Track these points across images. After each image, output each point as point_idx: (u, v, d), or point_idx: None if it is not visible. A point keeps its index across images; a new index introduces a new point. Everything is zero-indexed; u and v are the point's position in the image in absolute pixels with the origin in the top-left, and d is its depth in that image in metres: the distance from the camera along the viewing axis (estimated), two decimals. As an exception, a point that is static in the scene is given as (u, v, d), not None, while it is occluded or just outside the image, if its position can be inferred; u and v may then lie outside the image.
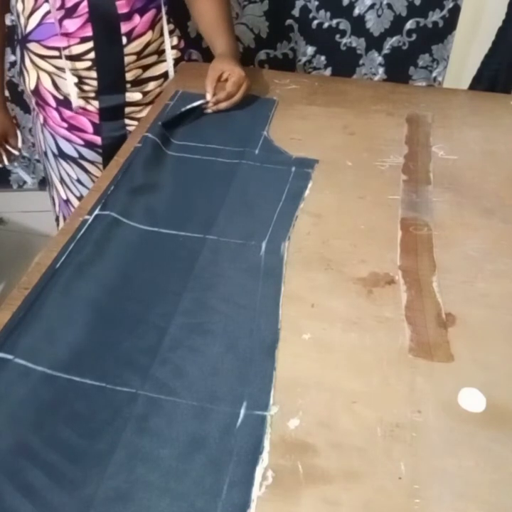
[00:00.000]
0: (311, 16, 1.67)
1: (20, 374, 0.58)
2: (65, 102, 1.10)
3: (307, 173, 0.90)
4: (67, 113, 1.11)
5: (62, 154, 1.17)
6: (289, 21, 1.66)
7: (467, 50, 1.64)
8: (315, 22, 1.68)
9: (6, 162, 1.18)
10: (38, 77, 1.09)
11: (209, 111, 1.06)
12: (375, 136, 1.01)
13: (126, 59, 1.09)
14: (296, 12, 1.65)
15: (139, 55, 1.10)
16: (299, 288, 0.70)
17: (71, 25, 1.03)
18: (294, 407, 0.57)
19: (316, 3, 1.64)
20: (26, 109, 1.86)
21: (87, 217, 0.78)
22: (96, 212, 0.78)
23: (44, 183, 2.05)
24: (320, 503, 0.49)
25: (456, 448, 0.54)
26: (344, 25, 1.69)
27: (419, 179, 0.90)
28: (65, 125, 1.12)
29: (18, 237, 2.05)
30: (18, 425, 0.54)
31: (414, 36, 1.70)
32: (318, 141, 0.99)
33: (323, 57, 1.76)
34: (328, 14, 1.67)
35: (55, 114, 1.12)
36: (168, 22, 1.15)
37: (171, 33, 1.16)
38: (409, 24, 1.67)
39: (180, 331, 0.64)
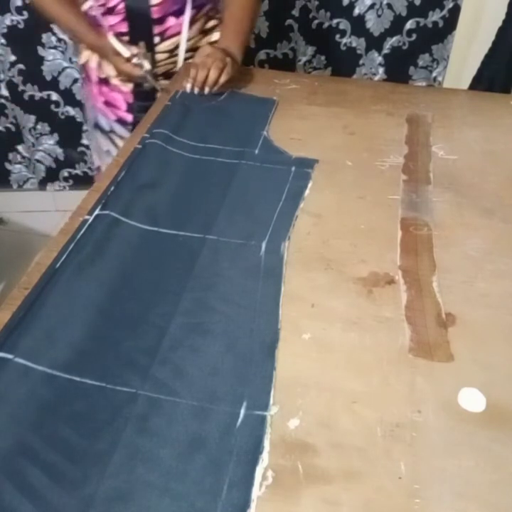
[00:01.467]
0: (311, 15, 1.67)
1: (21, 373, 0.58)
2: (104, 81, 1.22)
3: (307, 173, 0.90)
4: (105, 90, 1.23)
5: (97, 126, 1.29)
6: (289, 21, 1.66)
7: (467, 50, 1.65)
8: (315, 22, 1.68)
9: (146, 66, 1.09)
10: (88, 56, 1.22)
11: (206, 90, 1.07)
12: (375, 136, 1.01)
13: (158, 56, 1.16)
14: (296, 12, 1.65)
15: (172, 52, 1.16)
16: (299, 288, 0.70)
17: (110, 20, 1.14)
18: (294, 407, 0.57)
19: (316, 3, 1.64)
20: (26, 109, 1.86)
21: (87, 217, 0.78)
22: (96, 212, 0.78)
23: (44, 183, 2.05)
24: (320, 503, 0.49)
25: (456, 448, 0.54)
26: (344, 25, 1.69)
27: (419, 179, 0.90)
28: (102, 100, 1.24)
29: (18, 237, 2.05)
30: (18, 425, 0.54)
31: (414, 36, 1.70)
32: (318, 141, 0.99)
33: (323, 57, 1.77)
34: (328, 14, 1.67)
35: (96, 89, 1.24)
36: (214, 18, 1.20)
37: (214, 28, 1.20)
38: (409, 24, 1.68)
39: (180, 330, 0.64)
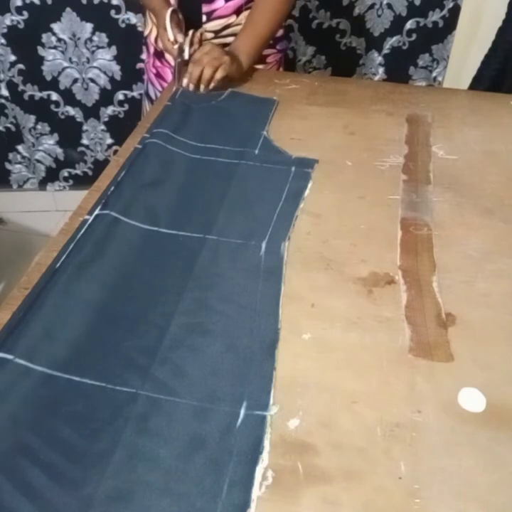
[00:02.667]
0: (311, 15, 1.67)
1: (20, 374, 0.58)
2: (159, 54, 1.28)
3: (307, 173, 0.90)
4: (157, 63, 1.31)
5: (147, 94, 1.39)
6: (289, 21, 1.66)
7: (467, 50, 1.65)
8: (315, 22, 1.68)
9: (184, 57, 1.12)
10: (151, 29, 1.28)
11: (201, 88, 1.09)
12: (375, 136, 1.01)
13: (204, 35, 1.18)
14: (296, 12, 1.65)
15: (217, 33, 1.19)
16: (299, 288, 0.70)
17: None
18: (294, 407, 0.57)
19: (316, 3, 1.64)
20: (26, 109, 1.87)
21: (87, 217, 0.78)
22: (96, 212, 0.79)
23: (44, 183, 2.06)
24: (320, 503, 0.49)
25: (456, 448, 0.54)
26: (344, 25, 1.69)
27: (419, 179, 0.90)
28: (154, 71, 1.32)
29: (18, 237, 2.05)
30: (18, 425, 0.54)
31: (414, 36, 1.70)
32: (318, 141, 0.99)
33: (323, 57, 1.77)
34: (328, 14, 1.67)
35: (151, 60, 1.32)
36: None
37: None
38: (409, 24, 1.68)
39: (180, 330, 0.64)
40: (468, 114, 1.11)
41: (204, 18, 1.17)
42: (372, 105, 1.11)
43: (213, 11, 1.16)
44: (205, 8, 1.16)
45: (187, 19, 1.16)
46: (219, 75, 1.08)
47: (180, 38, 1.11)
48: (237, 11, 1.17)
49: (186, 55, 1.11)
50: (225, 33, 1.19)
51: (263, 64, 1.26)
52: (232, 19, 1.17)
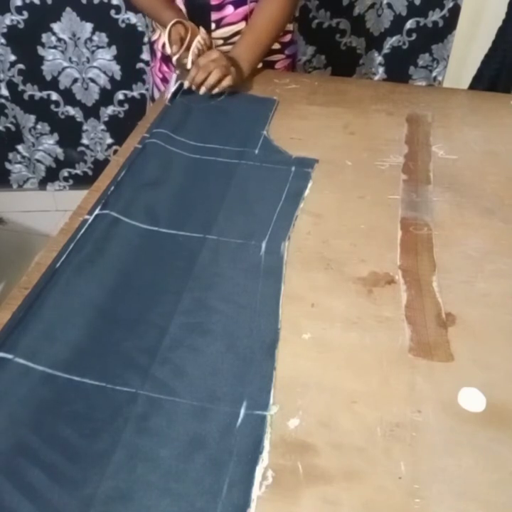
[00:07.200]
0: (311, 15, 1.67)
1: (21, 373, 0.58)
2: (166, 59, 1.28)
3: (307, 172, 0.90)
4: (164, 67, 1.31)
5: (152, 98, 1.41)
6: (289, 22, 1.66)
7: (467, 49, 1.65)
8: (315, 22, 1.68)
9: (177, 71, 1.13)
10: (159, 35, 1.28)
11: (202, 90, 1.07)
12: (375, 136, 1.01)
13: (214, 42, 1.19)
14: (295, 12, 1.65)
15: (226, 40, 1.20)
16: (299, 288, 0.70)
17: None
18: (294, 407, 0.57)
19: (316, 2, 1.64)
20: (26, 109, 1.87)
21: (87, 216, 0.78)
22: (96, 211, 0.79)
23: (44, 183, 2.06)
24: (320, 503, 0.49)
25: (456, 448, 0.54)
26: (344, 24, 1.69)
27: (419, 179, 0.90)
28: (160, 76, 1.33)
29: (18, 237, 2.05)
30: (18, 425, 0.54)
31: (414, 36, 1.70)
32: (318, 141, 0.99)
33: (323, 57, 1.77)
34: (328, 14, 1.67)
35: (158, 65, 1.32)
36: None
37: None
38: (410, 24, 1.68)
39: (180, 330, 0.64)
40: (468, 113, 1.11)
41: (213, 25, 1.17)
42: (372, 105, 1.11)
43: (222, 18, 1.16)
44: (214, 16, 1.16)
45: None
46: (226, 83, 1.06)
47: (175, 49, 1.10)
48: (246, 18, 1.17)
49: (189, 65, 1.09)
50: (234, 39, 1.19)
51: (272, 70, 1.25)
52: (242, 26, 1.18)
